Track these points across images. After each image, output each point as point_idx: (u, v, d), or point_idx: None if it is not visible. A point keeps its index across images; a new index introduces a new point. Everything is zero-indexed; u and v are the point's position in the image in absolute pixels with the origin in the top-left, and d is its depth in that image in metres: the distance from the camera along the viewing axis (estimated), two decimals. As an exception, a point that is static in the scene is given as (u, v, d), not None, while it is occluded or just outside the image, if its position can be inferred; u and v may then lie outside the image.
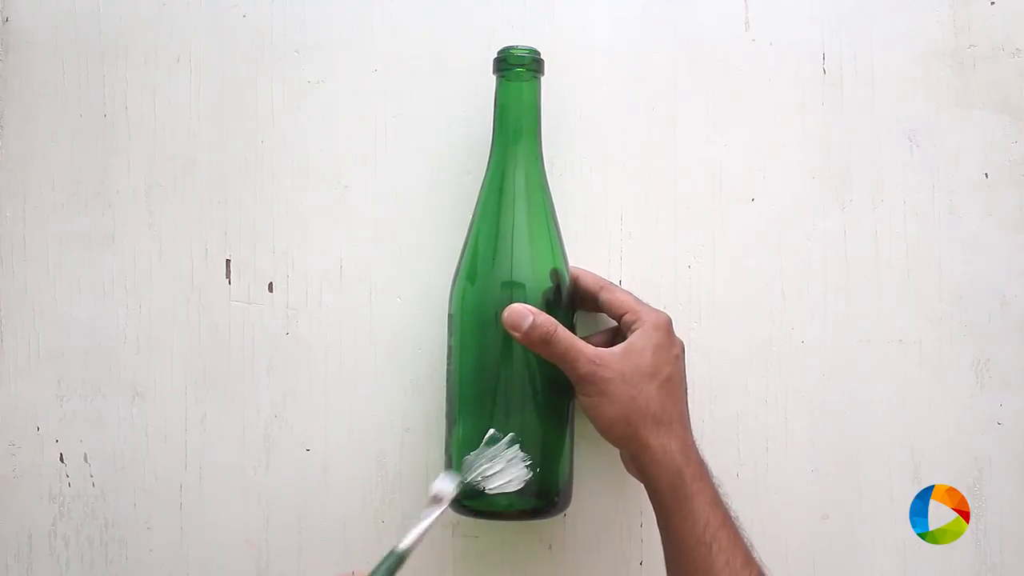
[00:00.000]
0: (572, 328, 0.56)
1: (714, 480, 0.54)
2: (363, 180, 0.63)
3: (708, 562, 0.51)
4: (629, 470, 0.57)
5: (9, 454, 0.63)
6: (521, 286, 0.55)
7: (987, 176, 0.63)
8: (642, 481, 0.54)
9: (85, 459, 0.63)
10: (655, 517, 0.54)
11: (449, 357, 0.58)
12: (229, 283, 0.63)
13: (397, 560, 0.48)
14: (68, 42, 0.64)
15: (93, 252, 0.64)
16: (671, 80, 0.63)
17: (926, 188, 0.63)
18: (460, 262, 0.58)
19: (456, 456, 0.56)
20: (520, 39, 0.61)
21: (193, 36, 0.64)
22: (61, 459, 0.63)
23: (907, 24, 0.63)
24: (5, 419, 0.63)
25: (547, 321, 0.53)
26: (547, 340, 0.53)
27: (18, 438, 0.63)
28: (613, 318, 0.57)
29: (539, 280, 0.56)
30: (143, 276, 0.63)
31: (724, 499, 0.54)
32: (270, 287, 0.63)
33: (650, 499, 0.54)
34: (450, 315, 0.58)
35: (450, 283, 0.58)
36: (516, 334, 0.53)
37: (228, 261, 0.63)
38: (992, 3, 0.63)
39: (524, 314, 0.53)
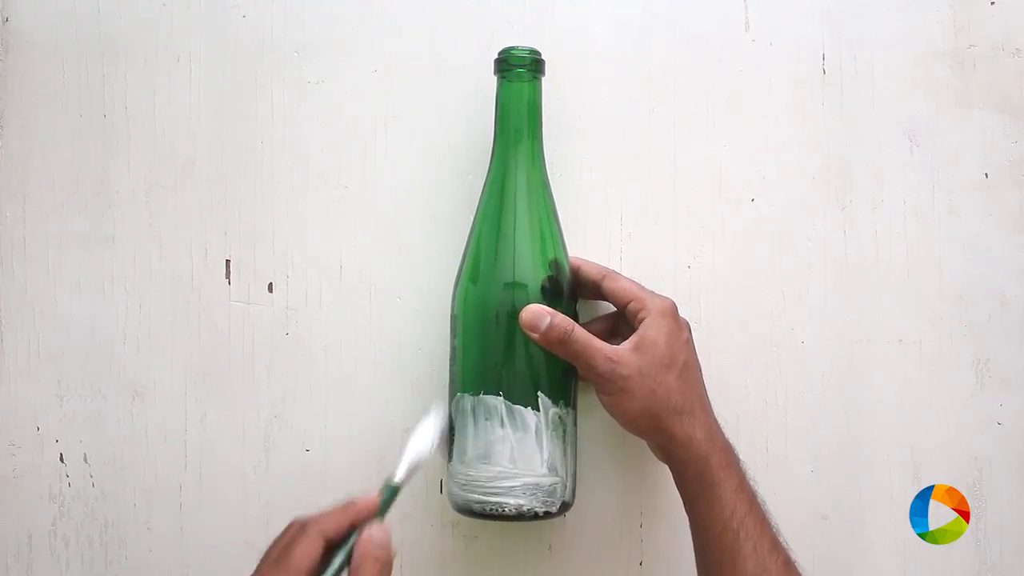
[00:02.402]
0: (575, 318, 0.56)
1: (742, 465, 0.55)
2: (363, 180, 0.63)
3: (735, 548, 0.51)
4: (657, 456, 0.57)
5: (9, 454, 0.63)
6: (523, 286, 0.55)
7: (987, 176, 0.63)
8: (669, 467, 0.55)
9: (85, 459, 0.63)
10: (682, 503, 0.54)
11: (452, 358, 0.58)
12: (229, 283, 0.63)
13: (392, 492, 0.49)
14: (68, 42, 0.64)
15: (93, 252, 0.64)
16: (671, 80, 0.63)
17: (926, 188, 0.63)
18: (462, 263, 0.58)
19: (457, 455, 0.56)
20: (520, 39, 0.61)
21: (193, 36, 0.64)
22: (61, 459, 0.63)
23: (907, 24, 0.63)
24: (5, 419, 0.63)
25: (564, 321, 0.53)
26: (564, 340, 0.53)
27: (18, 438, 0.63)
28: (617, 307, 0.57)
29: (541, 279, 0.56)
30: (143, 276, 0.63)
31: (751, 484, 0.54)
32: (270, 287, 0.63)
33: (676, 485, 0.54)
34: (453, 316, 0.58)
35: (450, 283, 0.58)
36: (534, 335, 0.53)
37: (228, 261, 0.63)
38: (992, 3, 0.63)
39: (542, 315, 0.53)
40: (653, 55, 0.63)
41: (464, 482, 0.55)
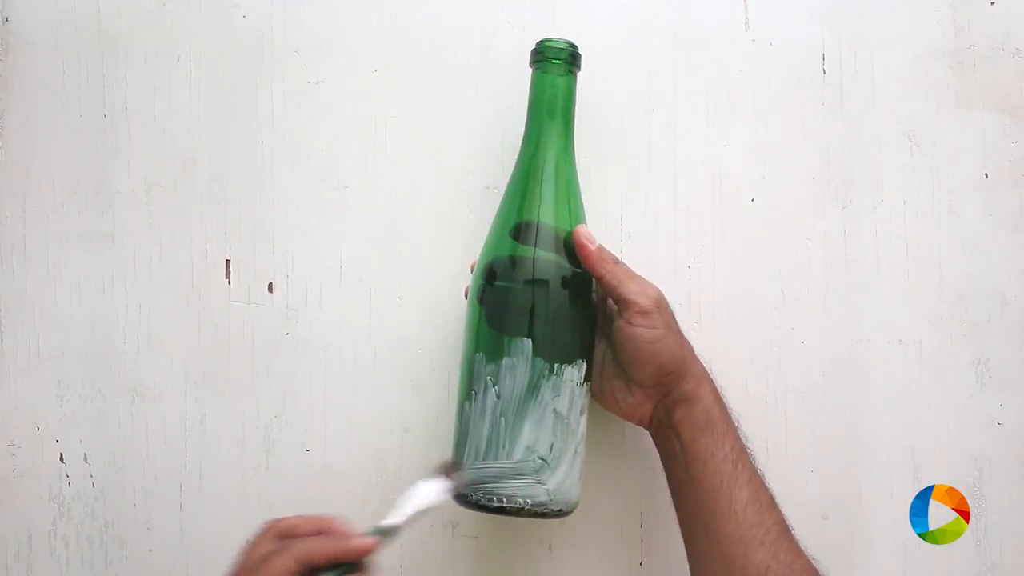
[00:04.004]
0: (593, 336, 0.55)
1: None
2: (363, 180, 0.63)
3: (733, 476, 0.53)
4: (633, 414, 0.56)
5: (9, 454, 0.63)
6: (544, 283, 0.54)
7: (987, 176, 0.63)
8: (670, 412, 0.54)
9: (85, 459, 0.63)
10: (670, 451, 0.55)
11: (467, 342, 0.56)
12: (229, 283, 0.63)
13: (385, 533, 0.49)
14: (68, 42, 0.64)
15: (93, 252, 0.64)
16: (671, 80, 0.63)
17: (926, 188, 0.63)
18: (486, 249, 0.56)
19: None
20: (520, 39, 0.61)
21: (193, 36, 0.64)
22: (61, 459, 0.63)
23: (907, 24, 0.63)
24: (5, 419, 0.63)
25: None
26: (617, 261, 0.54)
27: (18, 438, 0.63)
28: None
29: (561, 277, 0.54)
30: (143, 276, 0.63)
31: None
32: (270, 287, 0.63)
33: (673, 427, 0.54)
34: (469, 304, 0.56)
35: (450, 283, 0.59)
36: (591, 246, 0.54)
37: (228, 261, 0.63)
38: (992, 3, 0.63)
39: (593, 237, 0.54)
40: (653, 55, 0.63)
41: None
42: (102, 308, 0.63)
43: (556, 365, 0.53)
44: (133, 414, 0.63)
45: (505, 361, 0.53)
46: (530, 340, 0.53)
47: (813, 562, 0.53)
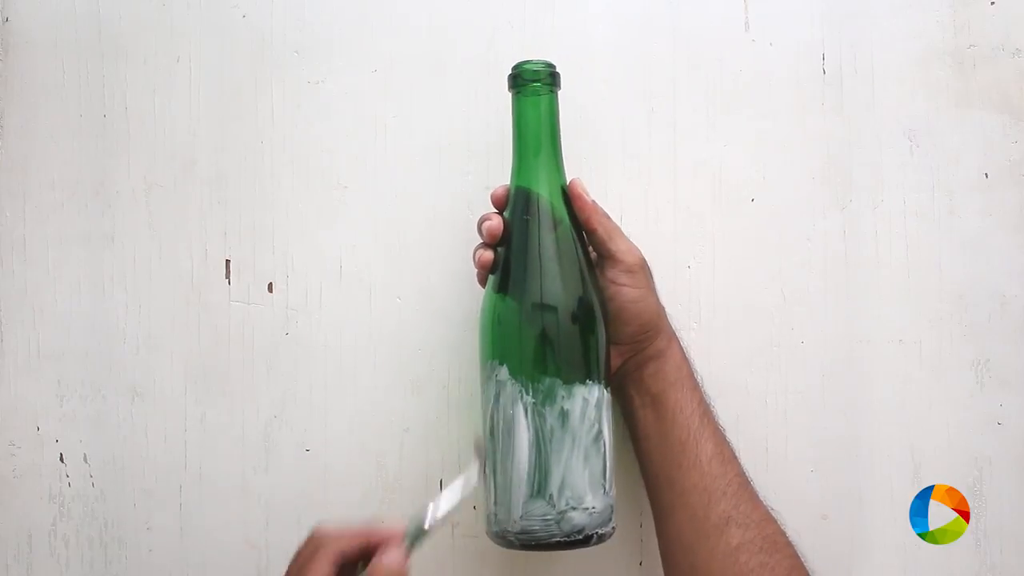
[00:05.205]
0: (608, 348, 0.54)
1: None
2: (363, 180, 0.63)
3: (700, 430, 0.55)
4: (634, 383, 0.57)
5: (9, 454, 0.63)
6: (553, 308, 0.53)
7: (987, 176, 0.63)
8: (642, 368, 0.56)
9: (85, 459, 0.63)
10: (639, 405, 0.56)
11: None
12: (229, 283, 0.63)
13: (420, 534, 0.49)
14: (68, 42, 0.64)
15: (93, 252, 0.64)
16: (671, 80, 0.63)
17: (926, 188, 0.63)
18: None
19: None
20: (520, 39, 0.61)
21: (193, 36, 0.64)
22: (61, 459, 0.63)
23: (907, 24, 0.63)
24: (5, 419, 0.63)
25: None
26: (609, 217, 0.56)
27: (18, 438, 0.63)
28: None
29: (569, 303, 0.53)
30: (143, 276, 0.63)
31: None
32: (270, 287, 0.63)
33: (640, 387, 0.56)
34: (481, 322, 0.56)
35: (450, 283, 0.58)
36: (587, 198, 0.55)
37: (228, 261, 0.63)
38: (992, 3, 0.63)
39: (587, 190, 0.55)
40: (653, 55, 0.63)
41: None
42: (102, 308, 0.63)
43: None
44: (133, 414, 0.63)
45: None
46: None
47: (771, 511, 0.55)
